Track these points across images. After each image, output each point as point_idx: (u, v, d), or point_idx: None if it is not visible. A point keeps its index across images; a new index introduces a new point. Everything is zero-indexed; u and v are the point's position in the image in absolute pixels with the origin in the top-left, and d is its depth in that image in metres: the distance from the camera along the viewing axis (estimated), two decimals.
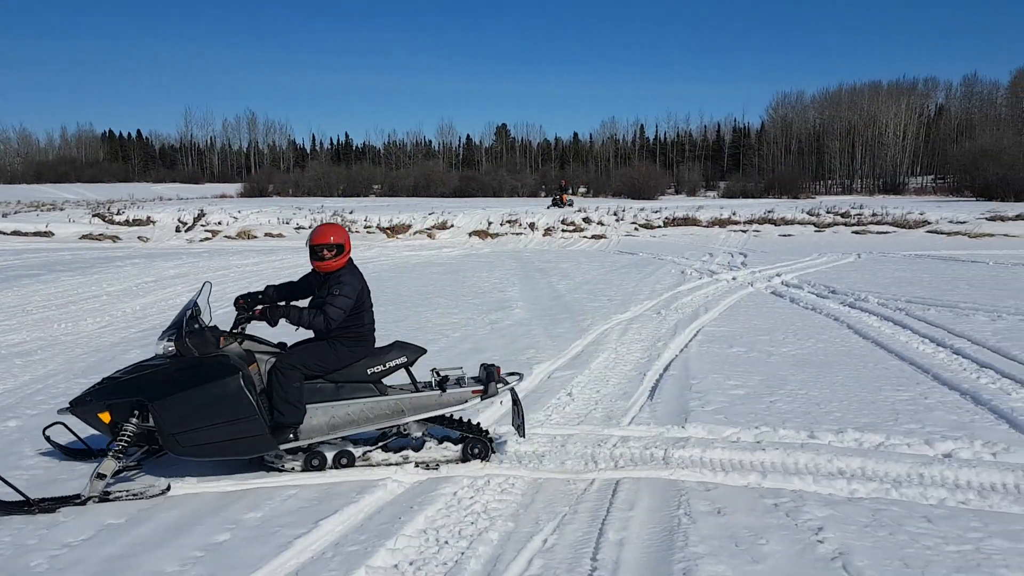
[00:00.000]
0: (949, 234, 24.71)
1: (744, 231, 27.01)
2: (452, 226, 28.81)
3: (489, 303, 12.09)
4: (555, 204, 34.29)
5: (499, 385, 5.23)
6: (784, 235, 26.17)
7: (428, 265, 18.23)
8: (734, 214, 28.43)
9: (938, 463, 4.93)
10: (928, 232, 25.24)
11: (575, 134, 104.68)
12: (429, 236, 28.09)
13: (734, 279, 14.65)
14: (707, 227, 27.84)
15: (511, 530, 4.14)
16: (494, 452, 5.26)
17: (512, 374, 5.48)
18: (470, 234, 28.23)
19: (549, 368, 7.80)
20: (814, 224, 27.03)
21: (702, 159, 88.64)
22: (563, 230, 28.41)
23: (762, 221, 27.72)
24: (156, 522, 4.23)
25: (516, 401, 5.37)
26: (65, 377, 7.36)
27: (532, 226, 28.69)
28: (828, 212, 27.87)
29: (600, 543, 3.94)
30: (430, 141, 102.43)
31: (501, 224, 29.00)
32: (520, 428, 5.28)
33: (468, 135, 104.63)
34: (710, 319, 10.36)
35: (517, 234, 28.16)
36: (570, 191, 34.77)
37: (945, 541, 3.90)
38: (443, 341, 9.12)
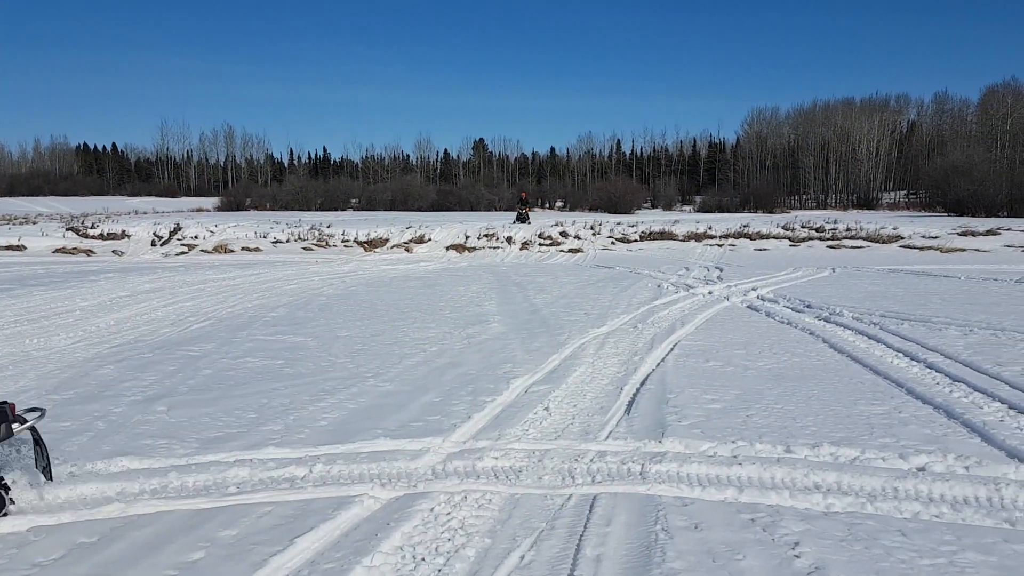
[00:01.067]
0: (922, 249, 25.09)
1: (720, 245, 27.24)
2: (429, 240, 28.78)
3: (466, 317, 12.07)
4: (519, 219, 31.59)
5: (15, 425, 4.57)
6: (760, 249, 26.42)
7: (405, 279, 18.18)
8: (710, 228, 28.68)
9: (912, 477, 4.98)
10: (901, 247, 25.61)
11: (552, 148, 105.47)
12: (406, 250, 28.03)
13: (710, 293, 14.75)
14: (683, 241, 28.04)
15: (488, 546, 4.12)
16: (12, 503, 4.58)
17: (32, 410, 4.83)
18: (447, 248, 28.22)
19: (526, 382, 7.79)
20: (789, 239, 27.33)
21: (678, 174, 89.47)
22: (540, 244, 28.49)
23: (738, 235, 27.98)
24: (129, 540, 4.16)
25: (38, 440, 4.77)
26: (37, 393, 7.23)
27: (509, 240, 28.74)
28: (803, 227, 28.19)
29: (577, 559, 3.93)
30: (408, 155, 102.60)
31: (478, 238, 29.02)
32: (46, 470, 4.78)
33: (446, 149, 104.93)
34: (686, 333, 10.42)
35: (494, 248, 28.19)
36: (529, 205, 31.64)
37: (919, 555, 3.94)
38: (420, 355, 9.09)
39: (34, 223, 33.41)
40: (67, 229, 29.06)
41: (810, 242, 26.89)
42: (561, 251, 27.63)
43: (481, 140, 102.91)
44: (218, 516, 4.49)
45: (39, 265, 21.54)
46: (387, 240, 28.97)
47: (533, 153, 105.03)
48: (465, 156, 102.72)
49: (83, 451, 5.59)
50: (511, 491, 4.93)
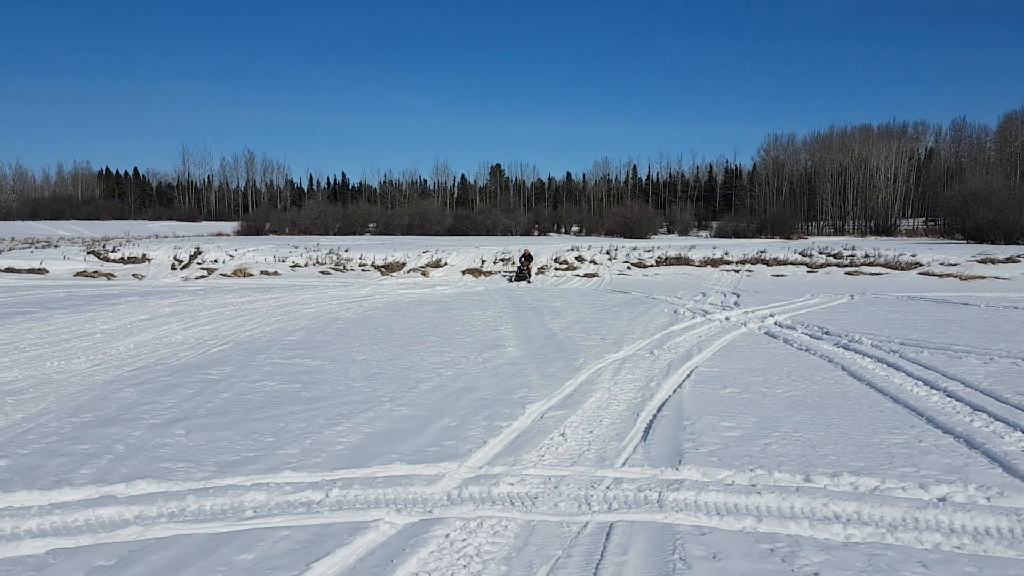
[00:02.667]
0: (941, 276, 24.90)
1: (737, 271, 27.17)
2: (446, 264, 28.91)
3: (482, 341, 12.08)
4: (518, 277, 26.80)
5: None
6: (777, 275, 26.32)
7: (421, 303, 18.24)
8: (726, 254, 28.62)
9: (933, 507, 4.92)
10: (920, 274, 25.43)
11: (568, 174, 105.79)
12: (423, 274, 28.16)
13: (727, 319, 14.69)
14: (700, 267, 27.99)
15: (504, 574, 4.10)
16: None
17: None
18: (464, 272, 28.33)
19: (542, 408, 7.78)
20: (807, 265, 27.22)
21: (694, 199, 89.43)
22: (556, 269, 28.53)
23: (755, 261, 27.91)
24: (147, 564, 4.18)
25: None
26: (57, 416, 7.30)
27: None
28: (820, 253, 28.08)
29: None
30: (425, 180, 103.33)
31: (494, 262, 29.13)
32: None
33: (463, 175, 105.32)
34: (703, 359, 10.37)
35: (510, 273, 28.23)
36: (531, 262, 27.07)
37: None
38: (436, 380, 9.10)
39: (56, 247, 33.87)
40: (88, 253, 29.44)
41: (828, 268, 26.75)
42: (577, 276, 27.65)
43: (498, 165, 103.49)
44: (235, 540, 4.50)
45: (60, 288, 21.80)
46: (404, 264, 29.12)
47: (549, 178, 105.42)
48: (482, 181, 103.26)
49: (102, 474, 5.63)
50: (527, 518, 4.92)
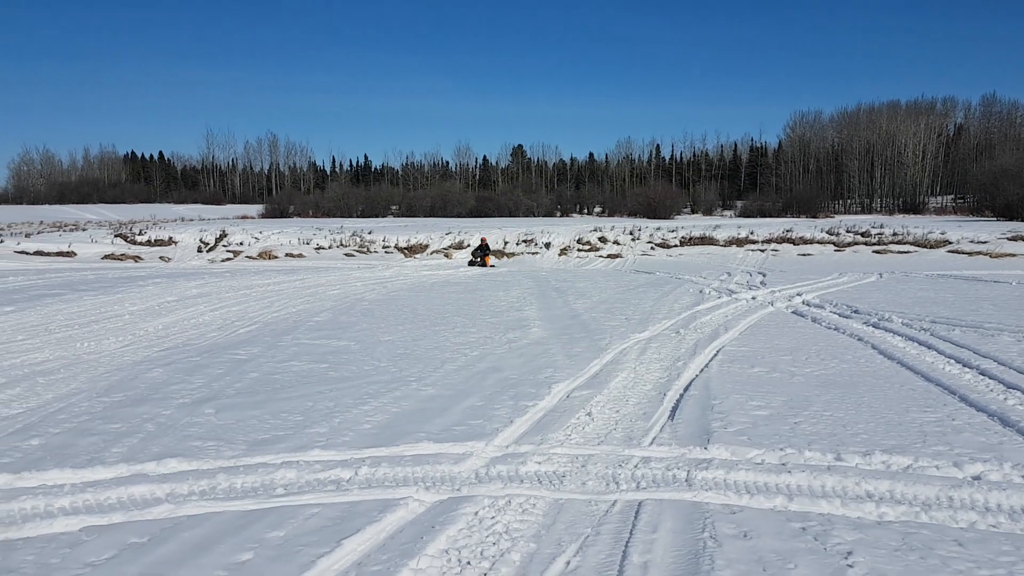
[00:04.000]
0: (971, 254, 24.48)
1: (762, 250, 26.90)
2: (468, 246, 28.91)
3: (506, 322, 12.07)
4: (474, 263, 25.87)
5: None
6: (803, 254, 26.03)
7: (445, 284, 18.27)
8: (751, 233, 28.34)
9: (967, 485, 4.84)
10: (949, 252, 25.02)
11: (591, 154, 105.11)
12: (446, 255, 28.19)
13: (753, 299, 14.55)
14: (724, 246, 27.75)
15: (533, 551, 4.09)
16: None
17: None
18: None
19: (568, 387, 7.76)
20: (834, 243, 26.88)
21: (718, 178, 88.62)
22: (579, 249, 28.43)
23: (780, 240, 27.61)
24: (179, 541, 4.23)
25: None
26: (88, 396, 7.40)
27: (548, 245, 28.73)
28: (848, 231, 27.72)
29: (624, 565, 3.89)
30: (447, 162, 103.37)
31: (517, 243, 29.09)
32: None
33: (485, 156, 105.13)
34: (730, 339, 10.28)
35: (533, 253, 28.20)
36: (488, 252, 25.84)
37: (977, 565, 3.82)
38: (461, 360, 9.11)
39: (84, 230, 34.31)
40: (115, 236, 29.79)
41: (855, 247, 26.41)
42: (600, 256, 27.55)
43: (520, 146, 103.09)
44: (266, 517, 4.54)
45: (89, 271, 22.08)
46: (427, 246, 29.17)
47: (572, 159, 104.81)
48: (504, 162, 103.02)
49: (133, 452, 5.69)
50: (555, 496, 4.91)
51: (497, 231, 30.15)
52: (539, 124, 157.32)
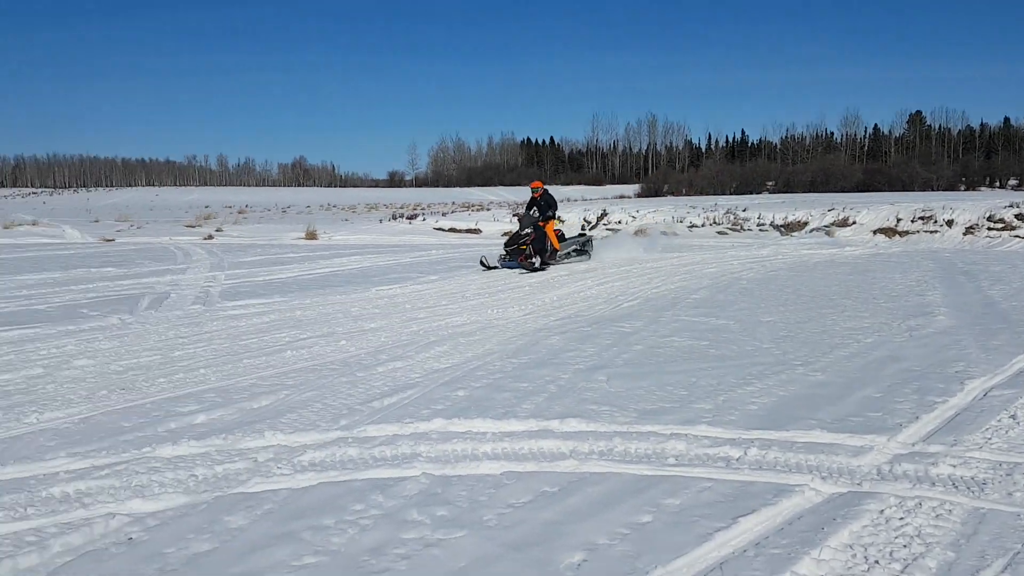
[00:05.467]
0: None
1: None
2: (854, 223, 26.74)
3: (905, 308, 10.97)
4: (514, 254, 16.56)
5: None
6: None
7: (829, 264, 17.15)
8: None
9: None
10: None
11: (1006, 119, 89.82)
12: (827, 234, 26.41)
13: None
14: None
15: (952, 560, 3.73)
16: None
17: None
18: (874, 232, 25.93)
19: (985, 385, 6.84)
20: None
21: None
22: (989, 228, 24.60)
23: None
24: (584, 495, 4.63)
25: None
26: (500, 356, 8.38)
27: (950, 223, 25.34)
28: None
29: None
30: (832, 133, 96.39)
31: (912, 221, 26.11)
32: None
33: (875, 125, 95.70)
34: None
35: (931, 232, 25.12)
36: (539, 211, 17.05)
37: None
38: (853, 346, 8.52)
39: (487, 210, 38.73)
40: (512, 215, 33.11)
41: None
42: (1017, 237, 23.55)
43: (918, 113, 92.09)
44: (660, 484, 4.75)
45: (493, 246, 24.87)
46: (806, 223, 27.66)
47: (982, 124, 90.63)
48: (898, 131, 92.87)
49: (539, 409, 6.34)
50: (974, 504, 4.40)
51: (888, 207, 27.37)
52: (941, 87, 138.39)
